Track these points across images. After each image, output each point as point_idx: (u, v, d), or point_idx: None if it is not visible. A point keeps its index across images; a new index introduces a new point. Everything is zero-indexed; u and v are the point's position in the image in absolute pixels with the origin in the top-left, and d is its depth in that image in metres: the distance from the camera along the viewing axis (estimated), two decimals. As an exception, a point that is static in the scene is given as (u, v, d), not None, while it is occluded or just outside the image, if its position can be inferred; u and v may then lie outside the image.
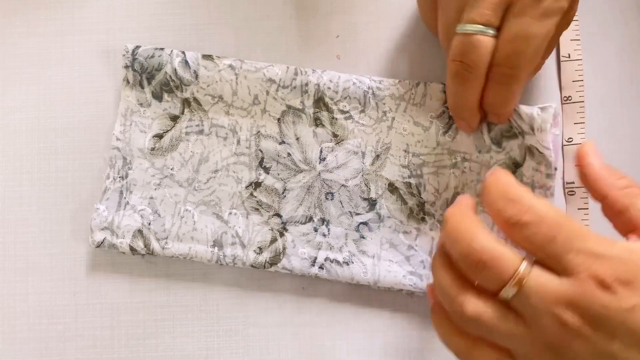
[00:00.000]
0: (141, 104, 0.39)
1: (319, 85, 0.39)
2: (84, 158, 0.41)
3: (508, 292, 0.30)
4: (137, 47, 0.39)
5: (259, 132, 0.39)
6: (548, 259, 0.30)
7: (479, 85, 0.35)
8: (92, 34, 0.41)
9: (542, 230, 0.30)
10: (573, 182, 0.40)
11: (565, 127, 0.41)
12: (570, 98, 0.41)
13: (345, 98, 0.39)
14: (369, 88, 0.39)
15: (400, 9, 0.41)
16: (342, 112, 0.39)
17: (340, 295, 0.40)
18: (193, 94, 0.39)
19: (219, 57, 0.39)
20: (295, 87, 0.39)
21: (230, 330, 0.40)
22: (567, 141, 0.41)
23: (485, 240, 0.31)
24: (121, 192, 0.39)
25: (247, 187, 0.39)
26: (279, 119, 0.39)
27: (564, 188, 0.40)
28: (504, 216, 0.31)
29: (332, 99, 0.39)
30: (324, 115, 0.39)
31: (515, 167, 0.38)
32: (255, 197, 0.39)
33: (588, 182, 0.33)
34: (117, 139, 0.39)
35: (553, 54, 0.41)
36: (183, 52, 0.39)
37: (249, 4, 0.41)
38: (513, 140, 0.38)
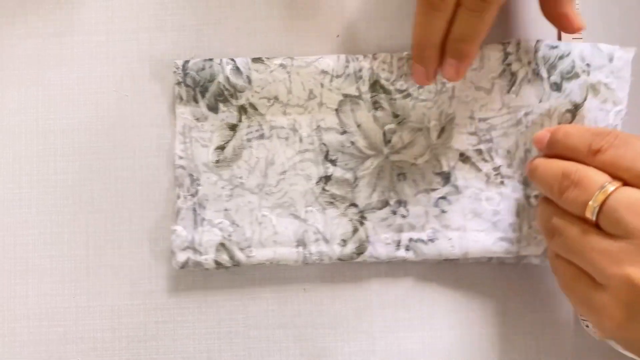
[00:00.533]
0: (197, 119, 0.39)
1: (372, 69, 0.39)
2: (83, 160, 0.41)
3: (595, 204, 0.31)
4: (186, 61, 0.39)
5: (318, 126, 0.39)
6: (635, 179, 0.31)
7: (447, 15, 0.35)
8: (91, 35, 0.41)
9: (628, 151, 0.31)
10: None
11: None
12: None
13: (402, 76, 0.39)
14: None
15: (400, 8, 0.41)
16: (400, 91, 0.39)
17: (341, 296, 0.40)
18: (248, 100, 0.39)
19: (268, 58, 0.39)
20: (349, 75, 0.39)
21: (231, 332, 0.40)
22: None
23: (572, 165, 0.33)
24: (194, 210, 0.39)
25: (317, 182, 0.39)
26: (336, 110, 0.39)
27: None
28: (589, 146, 0.32)
29: (387, 80, 0.39)
30: (382, 98, 0.39)
31: (575, 109, 0.38)
32: (328, 190, 0.39)
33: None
34: (180, 157, 0.39)
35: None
36: (232, 60, 0.39)
37: (249, 4, 0.41)
38: (574, 80, 0.38)
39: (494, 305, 0.40)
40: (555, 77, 0.38)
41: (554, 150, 0.35)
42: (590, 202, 0.31)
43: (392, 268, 0.40)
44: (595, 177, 0.32)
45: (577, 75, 0.38)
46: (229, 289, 0.40)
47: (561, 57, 0.38)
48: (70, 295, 0.40)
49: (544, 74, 0.38)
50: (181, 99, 0.39)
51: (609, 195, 0.31)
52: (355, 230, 0.39)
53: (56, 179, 0.40)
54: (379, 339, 0.39)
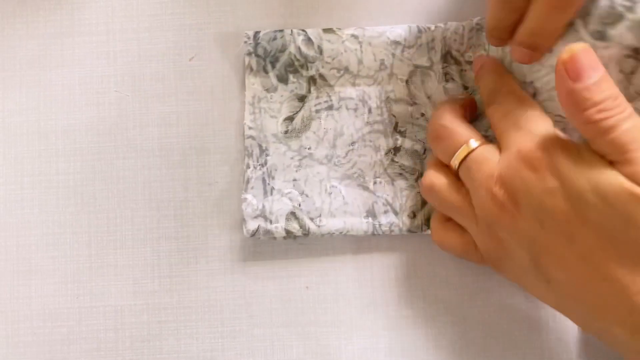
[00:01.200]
0: (267, 89, 0.39)
1: (445, 39, 0.39)
2: (85, 160, 0.40)
3: (455, 160, 0.33)
4: (257, 32, 0.39)
5: (388, 97, 0.39)
6: (500, 135, 0.33)
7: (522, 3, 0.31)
8: (92, 35, 0.41)
9: (500, 108, 0.33)
10: None
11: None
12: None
13: (471, 47, 0.39)
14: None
15: (401, 5, 0.41)
16: (470, 62, 0.39)
17: (344, 294, 0.40)
18: (318, 70, 0.39)
19: (339, 29, 0.39)
20: (420, 45, 0.39)
21: (234, 331, 0.40)
22: None
23: (448, 121, 0.34)
24: (264, 179, 0.39)
25: (386, 153, 0.39)
26: (407, 81, 0.39)
27: None
28: (487, 97, 0.35)
29: (458, 51, 0.39)
30: (453, 69, 0.39)
31: (636, 53, 0.31)
32: (397, 162, 0.39)
33: (561, 101, 0.30)
34: (250, 128, 0.39)
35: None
36: (304, 30, 0.39)
37: (250, 3, 0.41)
38: (619, 23, 0.31)
39: (498, 301, 0.40)
40: (593, 26, 0.31)
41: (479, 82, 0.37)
42: (454, 157, 0.34)
43: (395, 265, 0.40)
44: (466, 133, 0.34)
45: (620, 17, 0.31)
46: (232, 287, 0.40)
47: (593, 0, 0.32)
48: (73, 295, 0.40)
49: (579, 24, 0.32)
50: (251, 69, 0.39)
51: (468, 153, 0.33)
52: (424, 202, 0.39)
53: (58, 179, 0.40)
54: (382, 337, 0.39)
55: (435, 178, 0.35)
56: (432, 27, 0.39)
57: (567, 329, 0.39)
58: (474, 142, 0.33)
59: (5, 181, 0.40)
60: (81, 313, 0.40)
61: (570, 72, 0.28)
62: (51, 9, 0.41)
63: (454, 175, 0.35)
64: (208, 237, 0.40)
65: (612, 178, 0.28)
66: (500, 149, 0.33)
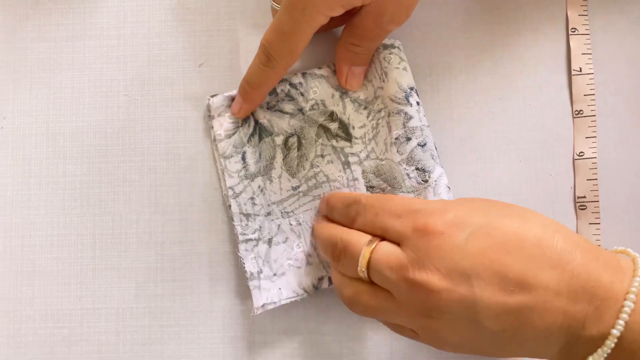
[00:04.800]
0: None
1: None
2: (92, 162, 0.41)
3: (362, 268, 0.32)
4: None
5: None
6: (385, 233, 0.33)
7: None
8: (103, 39, 0.42)
9: (369, 215, 0.34)
10: (584, 197, 0.40)
11: (577, 141, 0.41)
12: (581, 112, 0.41)
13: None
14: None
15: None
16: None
17: (346, 303, 0.40)
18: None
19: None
20: None
21: (236, 337, 0.40)
22: (579, 155, 0.40)
23: (338, 233, 0.34)
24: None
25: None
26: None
27: (575, 202, 0.40)
28: (346, 217, 0.35)
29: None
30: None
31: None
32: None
33: None
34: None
35: (564, 67, 0.41)
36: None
37: (258, 10, 0.42)
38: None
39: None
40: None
41: (331, 216, 0.37)
42: (358, 268, 0.32)
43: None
44: (356, 240, 0.33)
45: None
46: (234, 293, 0.40)
47: None
48: (75, 297, 0.40)
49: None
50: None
51: (370, 257, 0.32)
52: None
53: (65, 181, 0.41)
54: (384, 346, 0.39)
55: (350, 289, 0.34)
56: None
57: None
58: (369, 244, 0.33)
59: (12, 182, 0.41)
60: (83, 315, 0.40)
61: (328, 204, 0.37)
62: (63, 12, 0.42)
63: (369, 283, 0.33)
64: (212, 242, 0.40)
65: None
66: (395, 242, 0.33)
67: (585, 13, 0.41)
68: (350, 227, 0.35)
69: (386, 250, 0.32)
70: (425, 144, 0.38)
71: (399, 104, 0.39)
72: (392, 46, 0.39)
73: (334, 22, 0.37)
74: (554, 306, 0.30)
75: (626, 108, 0.41)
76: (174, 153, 0.41)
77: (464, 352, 0.33)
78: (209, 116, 0.40)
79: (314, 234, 0.39)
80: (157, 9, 0.42)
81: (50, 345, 0.39)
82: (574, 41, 0.41)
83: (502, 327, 0.30)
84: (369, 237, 0.33)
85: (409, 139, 0.38)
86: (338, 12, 0.35)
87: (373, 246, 0.32)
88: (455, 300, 0.30)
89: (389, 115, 0.39)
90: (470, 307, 0.30)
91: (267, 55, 0.36)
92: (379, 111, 0.40)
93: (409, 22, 0.38)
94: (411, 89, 0.39)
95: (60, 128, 0.41)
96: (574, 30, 0.41)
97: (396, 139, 0.39)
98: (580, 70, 0.41)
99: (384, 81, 0.39)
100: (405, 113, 0.39)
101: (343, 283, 0.34)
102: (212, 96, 0.40)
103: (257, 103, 0.39)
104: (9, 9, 0.42)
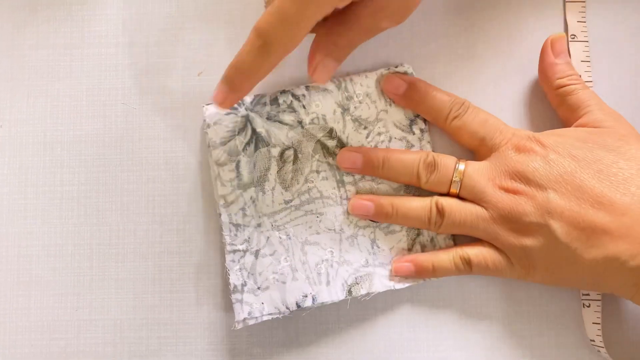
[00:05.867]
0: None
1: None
2: (90, 172, 0.40)
3: (459, 177, 0.37)
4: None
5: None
6: (477, 141, 0.38)
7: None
8: (101, 47, 0.41)
9: (476, 119, 0.38)
10: (588, 294, 0.39)
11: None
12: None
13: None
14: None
15: (411, 26, 0.41)
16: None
17: (346, 315, 0.39)
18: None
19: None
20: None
21: (234, 349, 0.39)
22: None
23: (425, 155, 0.38)
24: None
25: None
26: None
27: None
28: (450, 110, 0.38)
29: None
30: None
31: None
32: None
33: (541, 69, 0.39)
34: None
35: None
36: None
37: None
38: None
39: (501, 327, 0.39)
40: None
41: (417, 106, 0.39)
42: (454, 177, 0.37)
43: (398, 288, 0.39)
44: (447, 160, 0.38)
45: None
46: (233, 305, 0.39)
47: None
48: (72, 308, 0.39)
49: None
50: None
51: (465, 169, 0.37)
52: None
53: (62, 191, 0.40)
54: (383, 358, 0.39)
55: (444, 201, 0.38)
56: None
57: (571, 358, 0.39)
58: (461, 165, 0.37)
59: (9, 191, 0.40)
60: (80, 326, 0.39)
61: (555, 50, 0.39)
62: (62, 20, 0.41)
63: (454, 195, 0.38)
64: (210, 253, 0.40)
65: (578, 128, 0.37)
66: (479, 156, 0.38)
67: (584, 19, 0.40)
68: (445, 122, 0.39)
69: (478, 165, 0.37)
70: None
71: (402, 130, 0.39)
72: (405, 73, 0.40)
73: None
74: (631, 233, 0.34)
75: (627, 116, 0.40)
76: (172, 162, 0.40)
77: (546, 276, 0.36)
78: (205, 124, 0.39)
79: (380, 160, 0.38)
80: (156, 17, 0.41)
81: (46, 357, 0.39)
82: (573, 48, 0.40)
83: (571, 238, 0.34)
84: (455, 159, 0.38)
85: None
86: (346, 2, 0.34)
87: (464, 165, 0.37)
88: (536, 207, 0.35)
89: (389, 140, 0.39)
90: (546, 214, 0.35)
91: (264, 40, 0.33)
92: (379, 134, 0.39)
93: (409, 31, 0.38)
94: (416, 116, 0.40)
95: (57, 137, 0.41)
96: (573, 37, 0.40)
97: None
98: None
99: (390, 105, 0.39)
100: (408, 141, 0.39)
101: (435, 198, 0.38)
102: (208, 104, 0.39)
103: (245, 93, 0.35)
104: (6, 16, 0.41)
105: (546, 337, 0.39)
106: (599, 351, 0.38)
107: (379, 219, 0.39)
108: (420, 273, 0.38)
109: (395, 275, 0.38)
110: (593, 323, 0.38)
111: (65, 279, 0.40)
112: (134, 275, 0.40)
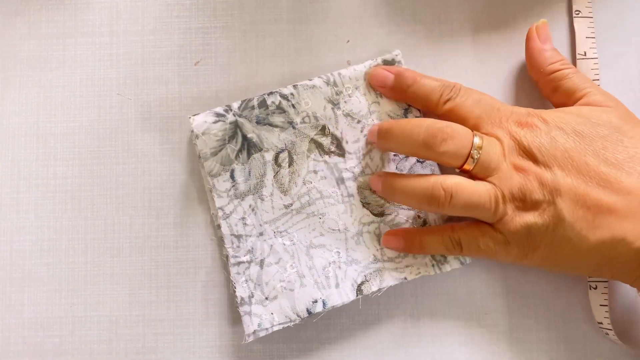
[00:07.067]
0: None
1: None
2: (84, 164, 0.39)
3: (474, 156, 0.35)
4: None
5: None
6: (475, 119, 0.36)
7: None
8: (95, 36, 0.40)
9: (468, 100, 0.37)
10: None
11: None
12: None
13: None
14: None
15: (414, 14, 0.40)
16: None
17: (348, 310, 0.38)
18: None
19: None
20: None
21: (233, 345, 0.38)
22: None
23: (438, 122, 0.35)
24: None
25: None
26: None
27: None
28: (440, 95, 0.37)
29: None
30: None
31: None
32: None
33: (530, 57, 0.38)
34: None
35: (568, 52, 0.40)
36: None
37: (257, 7, 0.40)
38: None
39: (506, 322, 0.38)
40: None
41: (407, 95, 0.38)
42: (473, 150, 0.35)
43: (402, 282, 0.38)
44: (462, 130, 0.35)
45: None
46: (232, 300, 0.38)
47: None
48: (67, 304, 0.39)
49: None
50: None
51: (482, 143, 0.35)
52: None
53: (55, 184, 0.39)
54: (387, 355, 0.38)
55: (455, 179, 0.35)
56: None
57: (576, 351, 0.38)
58: (477, 139, 0.35)
59: (1, 184, 0.39)
60: (74, 323, 0.38)
61: (540, 35, 0.38)
62: (54, 8, 0.40)
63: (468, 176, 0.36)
64: (208, 247, 0.39)
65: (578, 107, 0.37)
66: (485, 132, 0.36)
67: None
68: (437, 106, 0.37)
69: (489, 143, 0.35)
70: (424, 160, 0.38)
71: None
72: (393, 61, 0.38)
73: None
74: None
75: (631, 91, 0.40)
76: (168, 155, 0.39)
77: (546, 258, 0.35)
78: (193, 135, 0.38)
79: (384, 129, 0.37)
80: (152, 5, 0.40)
81: (40, 354, 0.38)
82: (578, 24, 0.40)
83: (577, 217, 0.34)
84: (470, 130, 0.36)
85: (407, 156, 0.38)
86: None
87: (480, 138, 0.35)
88: (540, 184, 0.34)
89: None
90: (553, 192, 0.34)
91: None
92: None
93: (412, 18, 0.37)
94: (410, 104, 0.38)
95: (50, 128, 0.40)
96: (577, 12, 0.40)
97: (395, 155, 0.38)
98: (585, 55, 0.40)
99: (380, 96, 0.38)
100: None
101: (442, 176, 0.36)
102: (194, 115, 0.38)
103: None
104: (-3, 5, 0.40)
105: (553, 331, 0.38)
106: (607, 334, 0.37)
107: (384, 194, 0.38)
108: (409, 248, 0.37)
109: (384, 246, 0.38)
110: (600, 305, 0.37)
111: (59, 275, 0.39)
112: (129, 270, 0.39)
